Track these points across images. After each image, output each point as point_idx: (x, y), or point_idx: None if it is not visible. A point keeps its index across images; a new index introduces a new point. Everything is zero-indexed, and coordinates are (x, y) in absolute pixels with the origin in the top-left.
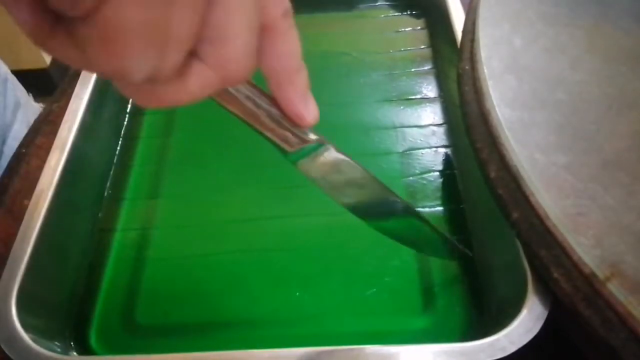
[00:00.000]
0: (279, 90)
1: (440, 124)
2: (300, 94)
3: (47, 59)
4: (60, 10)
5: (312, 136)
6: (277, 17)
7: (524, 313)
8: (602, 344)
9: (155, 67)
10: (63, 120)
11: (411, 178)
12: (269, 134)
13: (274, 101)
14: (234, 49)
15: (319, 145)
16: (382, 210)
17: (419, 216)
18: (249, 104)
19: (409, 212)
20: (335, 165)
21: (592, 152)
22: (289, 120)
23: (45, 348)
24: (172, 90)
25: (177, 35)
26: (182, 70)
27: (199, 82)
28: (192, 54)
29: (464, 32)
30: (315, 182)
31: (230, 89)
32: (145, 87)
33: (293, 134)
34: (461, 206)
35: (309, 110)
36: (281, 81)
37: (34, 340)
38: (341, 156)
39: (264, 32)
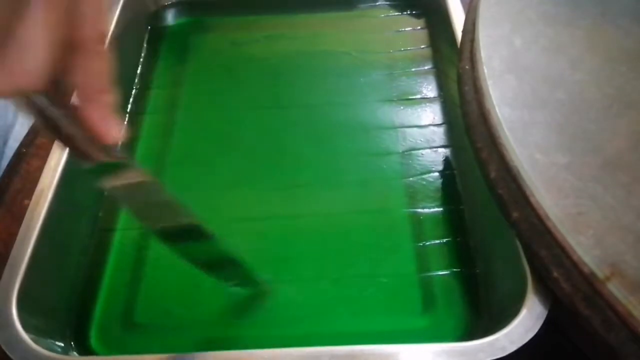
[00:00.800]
0: (82, 105)
1: (441, 124)
2: (102, 113)
3: None
4: None
5: (116, 154)
6: (91, 39)
7: (523, 313)
8: (602, 343)
9: None
10: None
11: (411, 178)
12: (69, 146)
13: (79, 116)
14: (29, 59)
15: (121, 164)
16: (186, 233)
17: (218, 242)
18: (53, 115)
19: (211, 237)
20: (137, 186)
21: (592, 152)
22: (92, 137)
23: (46, 348)
24: None
25: None
26: None
27: None
28: None
29: (464, 31)
30: (121, 202)
31: (33, 99)
32: None
33: (95, 149)
34: (461, 206)
35: (108, 130)
36: (86, 97)
37: (34, 341)
38: (145, 177)
39: (76, 50)
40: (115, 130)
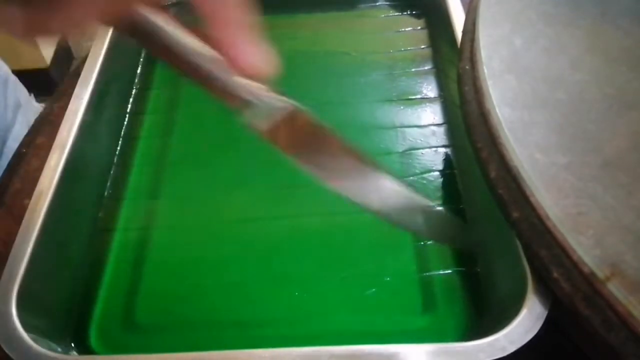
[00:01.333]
0: (220, 34)
1: (441, 124)
2: (242, 36)
3: (48, 59)
4: None
5: (270, 92)
6: None
7: (523, 313)
8: (602, 344)
9: None
10: (63, 120)
11: (411, 178)
12: (207, 85)
13: (216, 46)
14: None
15: (280, 103)
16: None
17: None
18: (180, 47)
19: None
20: (304, 130)
21: (592, 152)
22: (236, 69)
23: (46, 348)
24: (52, 16)
25: None
26: None
27: (83, 6)
28: None
29: (464, 31)
30: (281, 151)
31: (153, 23)
32: (21, 14)
33: (242, 87)
34: (461, 206)
35: (254, 54)
36: (221, 23)
37: (34, 340)
38: (312, 120)
39: None
40: (258, 56)
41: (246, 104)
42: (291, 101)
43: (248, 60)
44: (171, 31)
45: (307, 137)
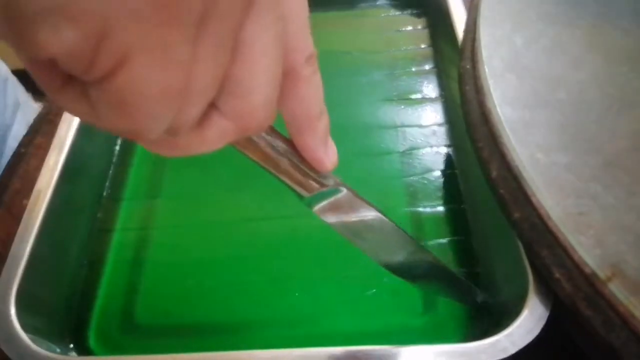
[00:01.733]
0: (299, 135)
1: (441, 124)
2: (320, 140)
3: None
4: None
5: (330, 181)
6: (301, 63)
7: (525, 313)
8: (603, 344)
9: (172, 125)
10: (62, 120)
11: (412, 178)
12: (285, 179)
13: (292, 145)
14: (253, 102)
15: (337, 190)
16: (405, 254)
17: (437, 260)
18: (267, 150)
19: (429, 257)
20: (352, 210)
21: (593, 152)
22: (307, 166)
23: (45, 348)
24: (189, 141)
25: (197, 93)
26: (201, 121)
27: (218, 133)
28: (210, 105)
29: (465, 31)
30: (333, 226)
31: (250, 137)
32: (163, 139)
33: (310, 178)
34: (462, 206)
35: (328, 156)
36: (301, 127)
37: (33, 340)
38: (359, 201)
39: (286, 76)
40: (335, 155)
41: (314, 193)
42: (344, 186)
43: (322, 162)
44: (260, 138)
45: (349, 211)
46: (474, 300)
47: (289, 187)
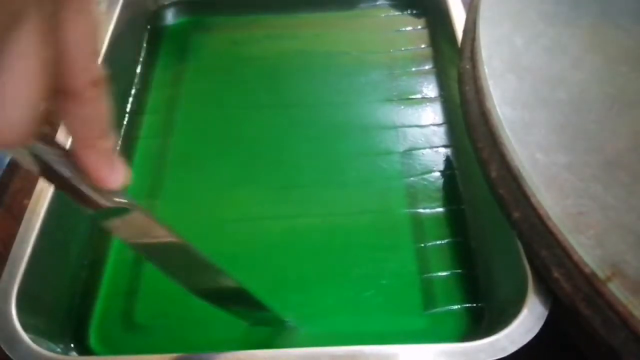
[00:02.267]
0: (80, 152)
1: (441, 124)
2: (104, 159)
3: None
4: None
5: (118, 200)
6: (84, 85)
7: (524, 313)
8: (603, 344)
9: None
10: None
11: (412, 178)
12: (69, 192)
13: (76, 162)
14: (12, 115)
15: (124, 210)
16: (199, 274)
17: (236, 283)
18: (50, 161)
19: (224, 275)
20: (143, 231)
21: (592, 152)
22: (92, 182)
23: (45, 348)
24: None
25: None
26: None
27: None
28: None
29: (464, 31)
30: (126, 243)
31: (31, 149)
32: None
33: (96, 195)
34: (462, 206)
35: (113, 176)
36: (83, 144)
37: (33, 341)
38: (152, 223)
39: (70, 97)
40: (116, 176)
41: (101, 208)
42: (133, 202)
43: (104, 181)
44: (40, 150)
45: (143, 230)
46: (278, 322)
47: (75, 199)
